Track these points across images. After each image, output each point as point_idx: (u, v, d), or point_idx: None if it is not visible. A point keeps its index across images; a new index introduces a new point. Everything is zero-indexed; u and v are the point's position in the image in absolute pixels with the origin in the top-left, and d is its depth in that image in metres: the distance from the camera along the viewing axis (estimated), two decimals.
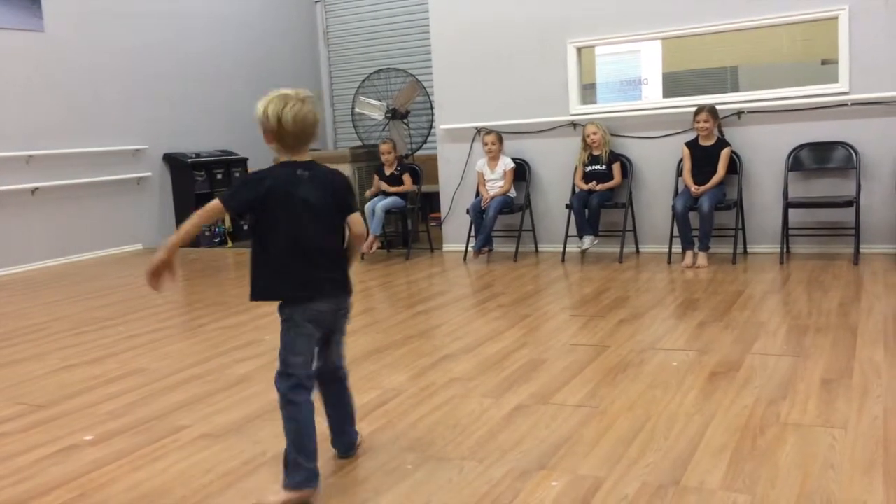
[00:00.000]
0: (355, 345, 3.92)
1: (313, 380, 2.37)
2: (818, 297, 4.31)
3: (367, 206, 6.68)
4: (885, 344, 3.37)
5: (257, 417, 2.95)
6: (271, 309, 5.00)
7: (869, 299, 4.19)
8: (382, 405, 3.00)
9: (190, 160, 8.15)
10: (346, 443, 2.55)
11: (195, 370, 3.63)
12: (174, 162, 8.20)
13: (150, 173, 8.07)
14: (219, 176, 8.36)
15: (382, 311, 4.71)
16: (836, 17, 5.38)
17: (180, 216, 8.22)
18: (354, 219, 2.43)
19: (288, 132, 2.33)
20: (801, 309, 4.10)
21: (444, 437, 2.65)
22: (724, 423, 2.62)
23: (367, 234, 5.69)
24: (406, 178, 6.75)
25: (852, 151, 5.39)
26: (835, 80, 5.47)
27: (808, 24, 5.72)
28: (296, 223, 2.32)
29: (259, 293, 2.37)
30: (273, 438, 2.72)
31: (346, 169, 7.13)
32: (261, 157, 8.53)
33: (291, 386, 2.29)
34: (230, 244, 8.28)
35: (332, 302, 2.39)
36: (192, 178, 8.12)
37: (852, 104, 5.38)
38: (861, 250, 5.28)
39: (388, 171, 6.76)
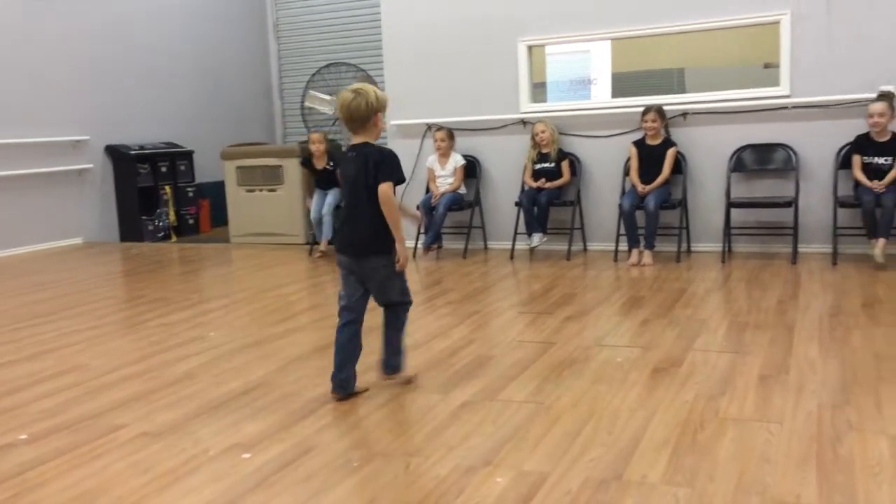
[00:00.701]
0: (302, 340, 3.89)
1: (349, 311, 3.01)
2: (757, 295, 4.42)
3: (312, 214, 6.50)
4: (821, 341, 3.48)
5: (199, 416, 2.89)
6: (216, 305, 4.93)
7: (806, 297, 4.31)
8: (329, 402, 2.97)
9: (133, 152, 7.96)
10: (339, 379, 2.99)
11: (135, 367, 3.54)
12: (117, 154, 8.00)
13: (91, 165, 7.86)
14: (163, 169, 8.18)
15: (329, 307, 4.66)
16: (778, 22, 5.52)
17: (122, 209, 8.04)
18: (379, 189, 2.89)
19: (340, 117, 3.03)
20: (741, 306, 4.20)
21: (391, 434, 2.64)
22: (666, 418, 2.66)
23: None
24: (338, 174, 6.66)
25: (792, 153, 5.54)
26: (776, 83, 5.61)
27: (752, 28, 5.85)
28: (344, 194, 3.08)
29: None
30: (214, 437, 2.68)
31: (293, 164, 7.05)
32: (208, 150, 8.41)
33: (339, 310, 3.04)
34: (174, 238, 8.12)
35: (350, 257, 2.99)
36: (135, 170, 7.93)
37: (793, 107, 5.53)
38: (799, 249, 5.44)
39: (319, 165, 6.52)
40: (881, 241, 4.94)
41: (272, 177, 7.22)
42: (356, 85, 2.95)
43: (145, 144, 8.16)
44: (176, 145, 8.44)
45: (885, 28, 5.25)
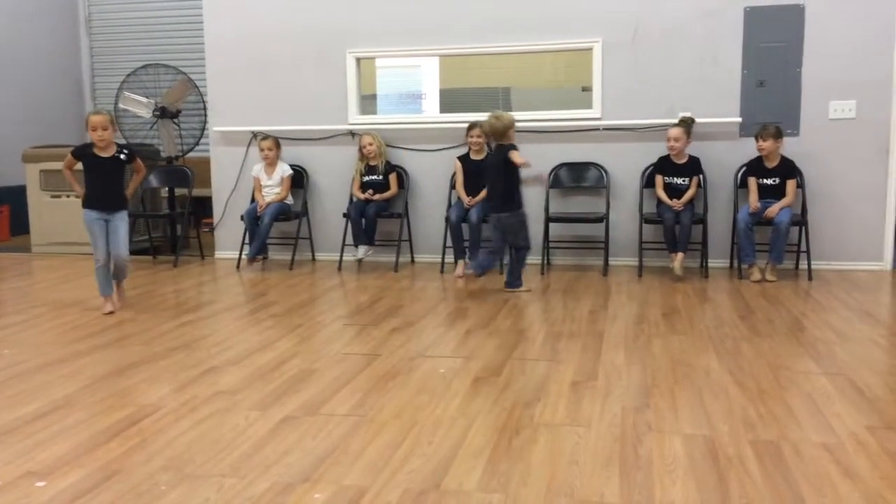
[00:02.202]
0: (111, 357, 3.64)
1: (494, 253, 5.13)
2: (572, 306, 4.66)
3: (98, 257, 4.56)
4: (626, 348, 3.72)
5: None
6: (13, 321, 4.53)
7: (614, 307, 4.61)
8: (137, 423, 2.79)
9: None
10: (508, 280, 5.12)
11: None
12: None
13: None
14: None
15: (144, 321, 4.41)
16: (591, 49, 5.89)
17: None
18: (510, 154, 4.84)
19: (487, 133, 5.08)
20: (557, 316, 4.41)
21: (204, 454, 2.52)
22: (485, 426, 2.73)
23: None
24: (139, 163, 4.74)
25: (603, 172, 5.91)
26: (590, 106, 5.97)
27: (571, 53, 6.20)
28: (488, 179, 5.21)
29: None
30: (5, 465, 2.44)
31: None
32: (8, 151, 7.69)
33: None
34: None
35: (495, 214, 5.02)
36: None
37: (603, 129, 5.91)
38: (609, 262, 5.80)
39: (104, 154, 4.55)
40: (680, 255, 5.38)
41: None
42: (496, 112, 4.92)
43: None
44: None
45: (683, 61, 5.74)
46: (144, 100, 6.97)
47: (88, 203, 4.59)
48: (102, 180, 4.59)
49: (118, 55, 9.07)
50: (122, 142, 7.11)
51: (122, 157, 4.63)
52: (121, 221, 4.60)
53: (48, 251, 6.91)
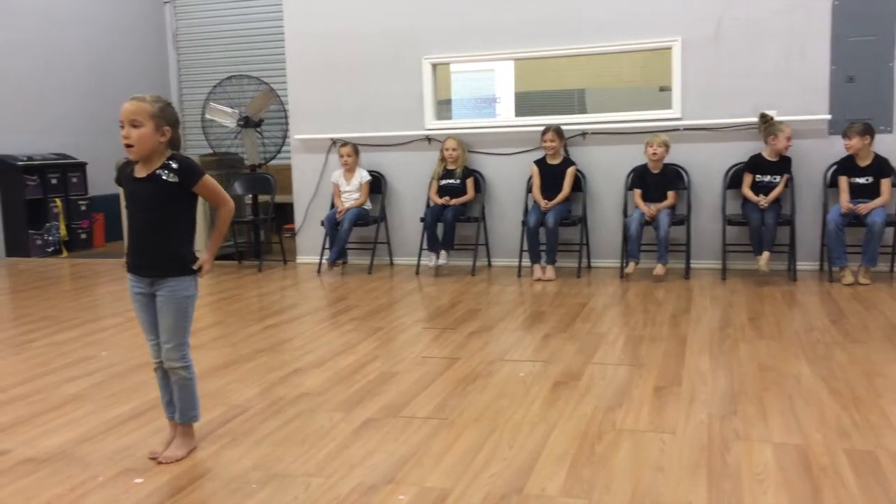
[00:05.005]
0: (202, 359, 3.76)
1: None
2: (653, 309, 4.58)
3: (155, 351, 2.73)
4: (711, 353, 3.63)
5: (88, 439, 2.76)
6: (109, 323, 4.72)
7: (697, 311, 4.50)
8: (227, 422, 2.89)
9: (21, 163, 7.55)
10: None
11: (19, 390, 3.35)
12: (2, 165, 7.56)
13: None
14: (53, 181, 7.80)
15: (231, 324, 4.56)
16: (670, 48, 5.78)
17: (8, 223, 7.60)
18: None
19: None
20: (637, 320, 4.34)
21: (292, 454, 2.59)
22: (566, 431, 2.72)
23: None
24: (208, 187, 2.57)
25: (684, 173, 5.78)
26: (669, 106, 5.86)
27: (648, 53, 6.10)
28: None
29: None
30: (105, 462, 2.56)
31: None
32: (102, 161, 8.06)
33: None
34: (65, 253, 7.74)
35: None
36: (22, 182, 7.52)
37: (684, 129, 5.79)
38: (691, 265, 5.67)
39: (140, 173, 2.55)
40: (766, 254, 5.22)
41: None
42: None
43: (34, 155, 7.76)
44: (67, 156, 8.06)
45: (767, 57, 5.57)
46: (229, 110, 7.20)
47: (127, 262, 2.63)
48: (135, 220, 2.59)
49: (204, 67, 9.40)
50: (208, 150, 7.34)
51: (164, 176, 2.49)
52: (167, 301, 2.57)
53: None
